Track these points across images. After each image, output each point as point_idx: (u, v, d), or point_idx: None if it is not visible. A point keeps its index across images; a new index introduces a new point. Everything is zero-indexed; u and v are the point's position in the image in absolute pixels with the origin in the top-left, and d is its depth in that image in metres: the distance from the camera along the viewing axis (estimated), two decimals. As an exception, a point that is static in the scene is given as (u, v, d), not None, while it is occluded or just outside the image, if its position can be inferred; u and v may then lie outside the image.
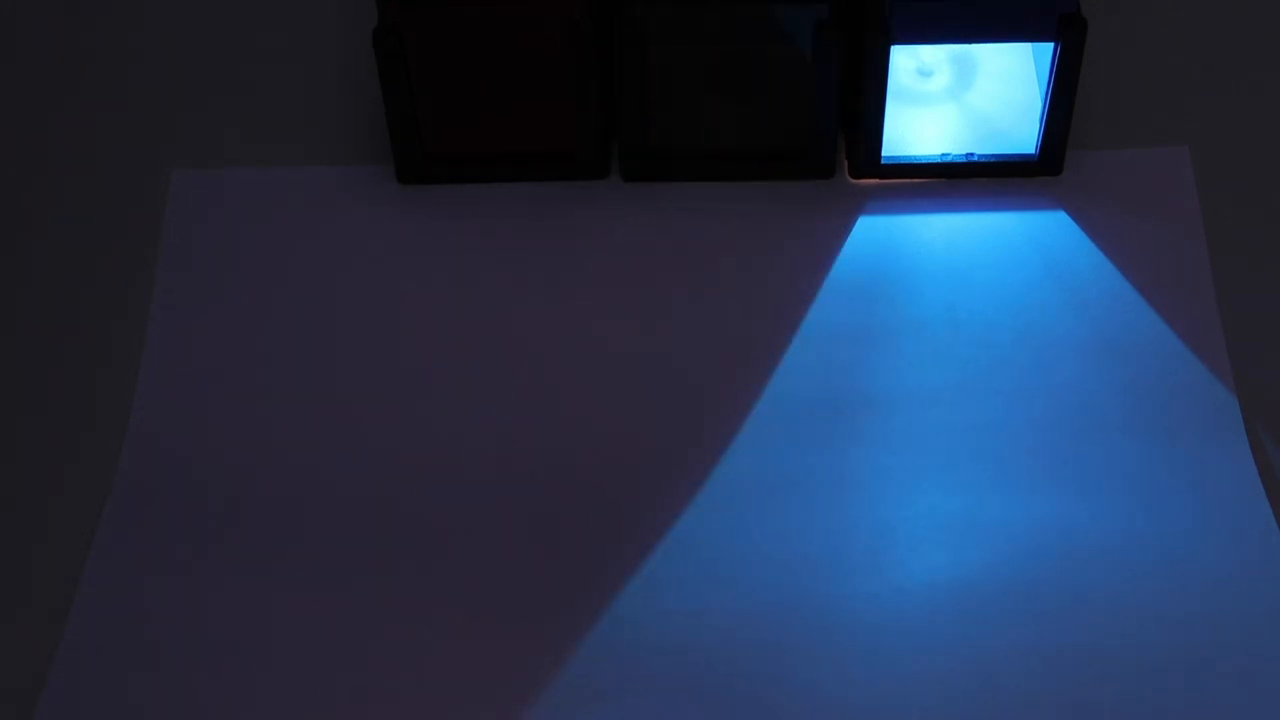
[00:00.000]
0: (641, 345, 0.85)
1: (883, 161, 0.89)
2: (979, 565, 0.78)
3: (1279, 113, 0.93)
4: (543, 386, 0.84)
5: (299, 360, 0.85)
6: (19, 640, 0.78)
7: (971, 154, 0.90)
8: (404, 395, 0.84)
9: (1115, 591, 0.78)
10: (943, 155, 0.90)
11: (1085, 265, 0.87)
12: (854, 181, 0.90)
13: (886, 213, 0.89)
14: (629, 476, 0.81)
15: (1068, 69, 0.86)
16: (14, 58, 0.96)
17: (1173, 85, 0.93)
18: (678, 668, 0.76)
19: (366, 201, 0.90)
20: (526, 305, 0.87)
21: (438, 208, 0.90)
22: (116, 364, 0.85)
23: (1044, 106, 0.88)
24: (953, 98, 0.91)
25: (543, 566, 0.79)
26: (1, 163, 0.92)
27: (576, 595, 0.78)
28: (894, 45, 0.85)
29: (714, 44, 0.86)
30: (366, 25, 0.90)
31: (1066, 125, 0.88)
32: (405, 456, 0.82)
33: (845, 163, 0.90)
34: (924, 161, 0.90)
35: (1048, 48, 0.86)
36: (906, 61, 0.90)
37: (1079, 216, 0.89)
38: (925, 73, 0.91)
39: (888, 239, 0.88)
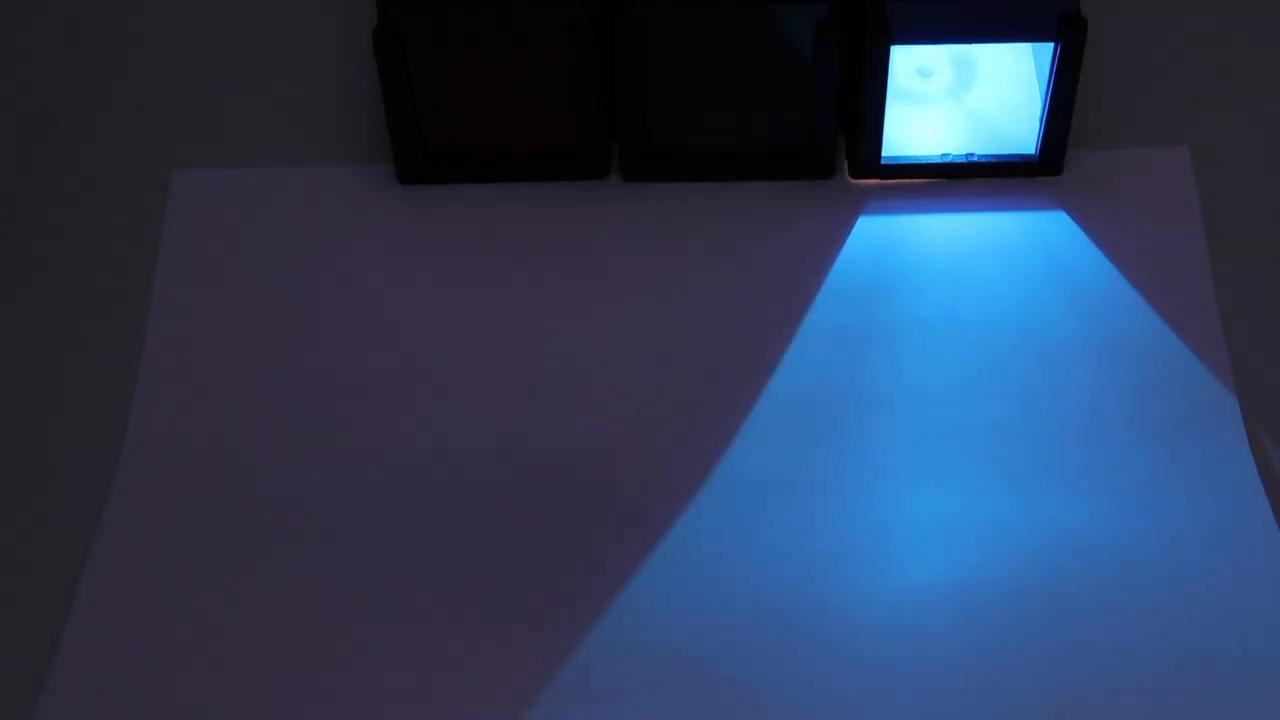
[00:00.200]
0: (641, 345, 0.85)
1: (883, 161, 0.89)
2: (979, 565, 0.78)
3: (1279, 113, 0.93)
4: (543, 386, 0.84)
5: (299, 360, 0.85)
6: (19, 640, 0.78)
7: (971, 154, 0.90)
8: (404, 395, 0.84)
9: (1115, 591, 0.78)
10: (943, 155, 0.90)
11: (1085, 265, 0.87)
12: (854, 181, 0.90)
13: (886, 213, 0.89)
14: (629, 476, 0.81)
15: (1068, 69, 0.86)
16: (14, 57, 0.96)
17: (1173, 85, 0.93)
18: (678, 668, 0.76)
19: (366, 201, 0.90)
20: (526, 305, 0.86)
21: (438, 208, 0.90)
22: (116, 364, 0.85)
23: (1044, 106, 0.88)
24: (953, 98, 0.91)
25: (543, 566, 0.79)
26: (1, 163, 0.92)
27: (576, 595, 0.78)
28: (894, 45, 0.85)
29: (714, 44, 0.86)
30: (366, 25, 0.90)
31: (1066, 125, 0.88)
32: (405, 456, 0.82)
33: (845, 163, 0.90)
34: (924, 162, 0.90)
35: (1048, 48, 0.86)
36: (906, 61, 0.90)
37: (1079, 216, 0.89)
38: (925, 73, 0.91)
39: (888, 239, 0.88)
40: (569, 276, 0.87)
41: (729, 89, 0.88)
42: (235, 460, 0.82)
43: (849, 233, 0.88)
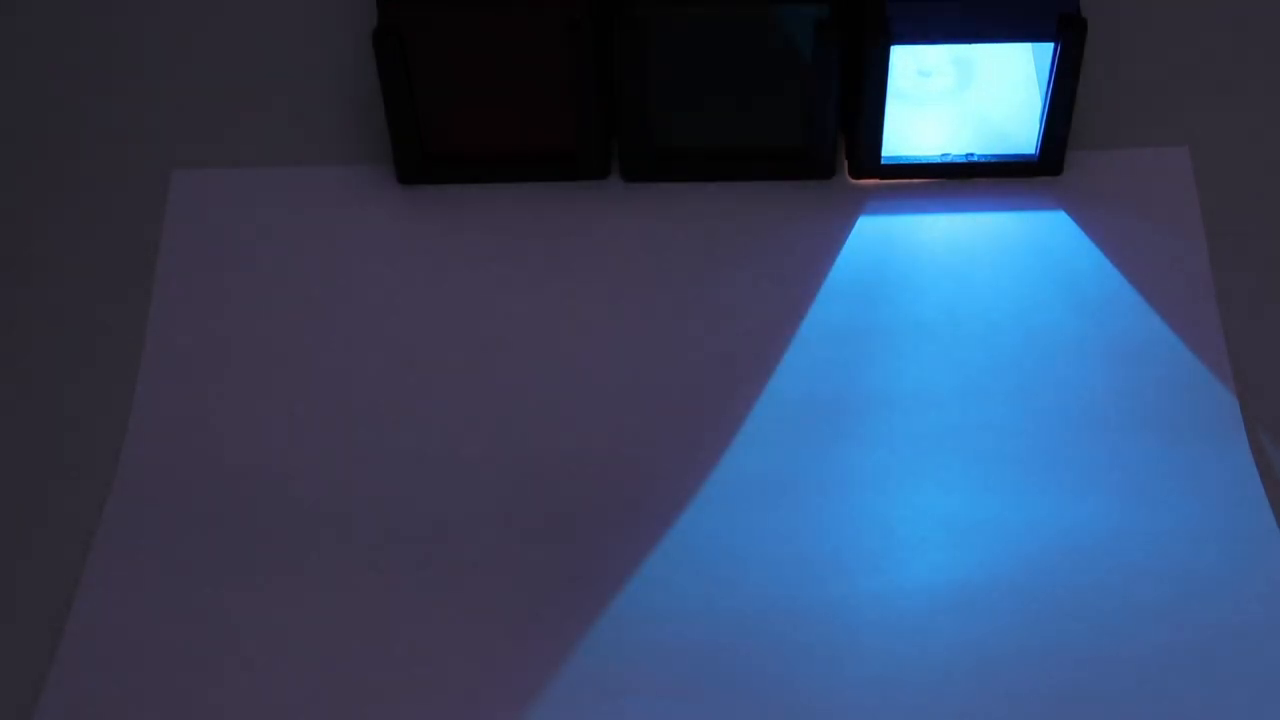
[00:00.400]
0: (641, 345, 0.85)
1: (883, 161, 0.89)
2: (979, 565, 0.78)
3: (1279, 113, 0.93)
4: (543, 386, 0.84)
5: (299, 360, 0.85)
6: (19, 640, 0.78)
7: (971, 154, 0.90)
8: (404, 395, 0.84)
9: (1115, 591, 0.78)
10: (943, 155, 0.90)
11: (1085, 265, 0.87)
12: (854, 181, 0.90)
13: (886, 213, 0.89)
14: (629, 476, 0.81)
15: (1068, 69, 0.86)
16: (14, 57, 0.96)
17: (1173, 85, 0.93)
18: (678, 668, 0.76)
19: (366, 201, 0.90)
20: (527, 305, 0.86)
21: (438, 208, 0.90)
22: (116, 364, 0.85)
23: (1044, 106, 0.88)
24: (953, 98, 0.91)
25: (543, 566, 0.79)
26: (2, 163, 0.92)
27: (577, 595, 0.78)
28: (894, 45, 0.85)
29: (714, 44, 0.86)
30: (366, 25, 0.90)
31: (1066, 125, 0.88)
32: (405, 456, 0.82)
33: (845, 163, 0.90)
34: (924, 162, 0.90)
35: (1048, 48, 0.86)
36: (906, 61, 0.90)
37: (1079, 216, 0.89)
38: (925, 73, 0.91)
39: (888, 239, 0.88)
40: (569, 276, 0.87)
41: (729, 89, 0.88)
42: (235, 460, 0.82)
43: (849, 233, 0.88)
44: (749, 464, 0.82)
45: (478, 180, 0.90)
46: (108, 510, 0.81)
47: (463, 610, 0.78)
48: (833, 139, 0.89)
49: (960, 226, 0.89)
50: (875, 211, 0.89)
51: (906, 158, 0.90)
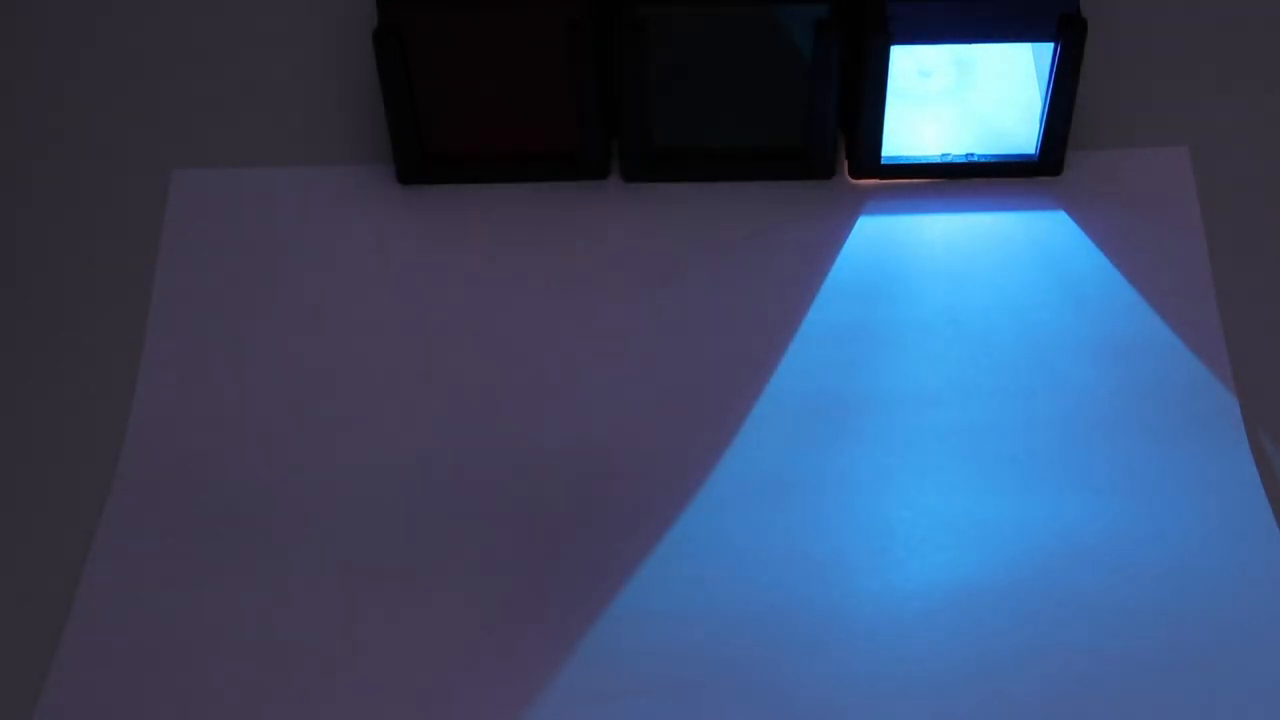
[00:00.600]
0: (641, 345, 0.85)
1: (883, 161, 0.89)
2: (979, 565, 0.78)
3: (1279, 113, 0.93)
4: (542, 386, 0.84)
5: (298, 360, 0.85)
6: (19, 640, 0.78)
7: (971, 154, 0.90)
8: (403, 395, 0.84)
9: (1115, 591, 0.78)
10: (943, 155, 0.90)
11: (1085, 265, 0.87)
12: (854, 181, 0.90)
13: (886, 213, 0.89)
14: (629, 476, 0.81)
15: (1068, 69, 0.86)
16: (14, 58, 0.96)
17: (1173, 85, 0.93)
18: (678, 668, 0.76)
19: (366, 201, 0.90)
20: (526, 305, 0.86)
21: (438, 208, 0.90)
22: (116, 364, 0.85)
23: (1044, 106, 0.88)
24: (953, 98, 0.91)
25: (543, 566, 0.79)
26: (2, 162, 0.92)
27: (576, 595, 0.78)
28: (894, 45, 0.85)
29: (714, 44, 0.86)
30: (366, 25, 0.90)
31: (1066, 125, 0.88)
32: (405, 456, 0.82)
33: (845, 163, 0.90)
34: (924, 162, 0.90)
35: (1048, 48, 0.86)
36: (906, 61, 0.90)
37: (1079, 216, 0.89)
38: (925, 73, 0.91)
39: (888, 239, 0.88)
40: (569, 276, 0.87)
41: (729, 89, 0.88)
42: (235, 460, 0.82)
43: (849, 233, 0.88)
44: (749, 464, 0.82)
45: (478, 180, 0.90)
46: (108, 510, 0.81)
47: (463, 610, 0.78)
48: (833, 139, 0.89)
49: (960, 226, 0.89)
50: (875, 211, 0.89)
51: (906, 158, 0.90)
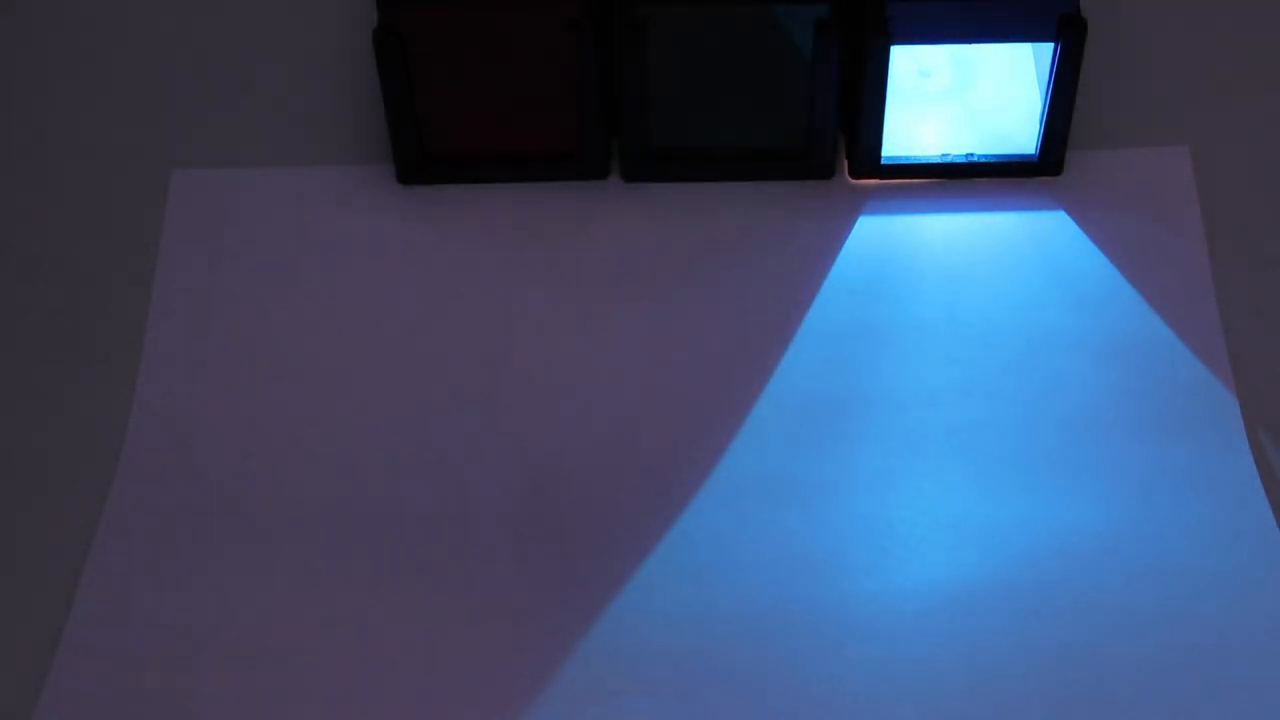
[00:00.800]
0: (641, 345, 0.85)
1: (883, 162, 0.89)
2: (979, 565, 0.78)
3: (1279, 113, 0.93)
4: (542, 386, 0.84)
5: (298, 360, 0.85)
6: (19, 640, 0.78)
7: (971, 154, 0.90)
8: (403, 395, 0.84)
9: (1115, 591, 0.78)
10: (943, 155, 0.90)
11: (1085, 265, 0.87)
12: (854, 182, 0.90)
13: (886, 213, 0.89)
14: (629, 476, 0.81)
15: (1068, 69, 0.86)
16: (14, 57, 0.96)
17: (1173, 85, 0.93)
18: (678, 668, 0.76)
19: (366, 201, 0.90)
20: (526, 305, 0.87)
21: (438, 208, 0.90)
22: (116, 364, 0.85)
23: (1044, 106, 0.88)
24: (953, 98, 0.91)
25: (542, 566, 0.79)
26: (2, 162, 0.92)
27: (576, 595, 0.78)
28: (894, 45, 0.85)
29: (714, 44, 0.86)
30: (366, 25, 0.90)
31: (1066, 125, 0.88)
32: (405, 455, 0.82)
33: (845, 163, 0.90)
34: (924, 162, 0.90)
35: (1048, 48, 0.86)
36: (906, 61, 0.90)
37: (1079, 216, 0.89)
38: (925, 73, 0.91)
39: (888, 239, 0.88)
40: (569, 277, 0.87)
41: (729, 89, 0.88)
42: (235, 460, 0.82)
43: (849, 233, 0.88)
44: (749, 464, 0.82)
45: (478, 180, 0.90)
46: (108, 510, 0.81)
47: (462, 610, 0.78)
48: (833, 139, 0.89)
49: (960, 226, 0.89)
50: (875, 211, 0.89)
51: (906, 158, 0.90)
